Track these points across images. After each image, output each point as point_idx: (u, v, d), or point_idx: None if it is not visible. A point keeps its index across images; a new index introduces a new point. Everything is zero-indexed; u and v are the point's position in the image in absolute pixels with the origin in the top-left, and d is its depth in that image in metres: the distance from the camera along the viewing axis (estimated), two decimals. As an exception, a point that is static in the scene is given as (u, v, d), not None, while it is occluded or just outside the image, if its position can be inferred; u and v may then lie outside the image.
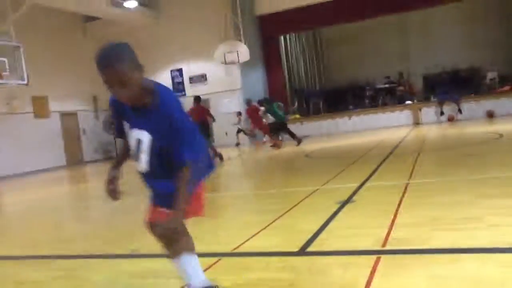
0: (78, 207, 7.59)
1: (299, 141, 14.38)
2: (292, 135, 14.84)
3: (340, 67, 22.03)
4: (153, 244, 3.84)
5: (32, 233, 5.39)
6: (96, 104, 21.34)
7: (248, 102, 16.41)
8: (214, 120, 13.19)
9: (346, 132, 18.25)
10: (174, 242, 2.25)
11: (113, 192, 2.25)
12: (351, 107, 19.79)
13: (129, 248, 3.77)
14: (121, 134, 2.22)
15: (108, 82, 1.94)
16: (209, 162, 2.26)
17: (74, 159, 19.39)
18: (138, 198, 6.99)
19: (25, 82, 14.87)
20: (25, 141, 16.32)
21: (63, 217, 6.66)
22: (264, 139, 17.25)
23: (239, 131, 18.86)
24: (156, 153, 2.09)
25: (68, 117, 19.50)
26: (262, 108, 15.87)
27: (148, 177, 2.20)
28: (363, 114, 18.90)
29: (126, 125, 2.16)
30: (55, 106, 18.82)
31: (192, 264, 2.25)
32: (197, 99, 12.93)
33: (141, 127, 2.08)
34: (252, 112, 15.80)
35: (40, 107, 18.13)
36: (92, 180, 12.10)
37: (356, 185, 5.40)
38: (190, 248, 2.28)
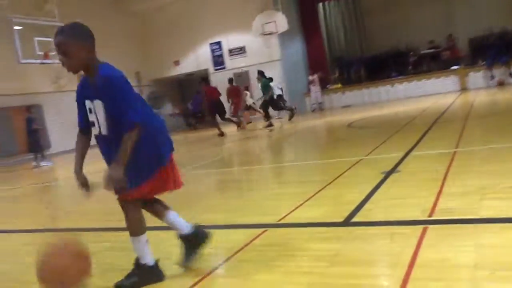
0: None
1: (291, 112, 14.25)
2: (283, 108, 14.67)
3: (381, 34, 21.28)
4: (191, 217, 3.98)
5: (84, 206, 5.65)
6: (140, 80, 21.73)
7: (230, 80, 15.55)
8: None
9: (389, 101, 17.81)
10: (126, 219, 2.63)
11: (84, 185, 2.60)
12: (393, 74, 19.21)
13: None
14: (82, 124, 2.56)
15: (56, 51, 2.36)
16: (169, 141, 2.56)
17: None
18: (185, 172, 7.15)
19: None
20: (74, 118, 16.87)
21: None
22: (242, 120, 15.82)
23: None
24: (109, 120, 2.38)
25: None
26: (247, 93, 15.85)
27: (103, 143, 2.49)
28: (407, 81, 18.33)
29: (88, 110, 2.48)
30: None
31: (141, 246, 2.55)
32: (204, 80, 14.46)
33: (94, 97, 2.41)
34: (232, 92, 15.12)
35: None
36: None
37: (400, 154, 5.31)
38: (136, 232, 2.57)
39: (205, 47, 21.29)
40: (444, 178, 3.85)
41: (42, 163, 12.34)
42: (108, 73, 2.40)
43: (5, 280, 3.13)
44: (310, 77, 19.01)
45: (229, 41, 20.68)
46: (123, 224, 4.02)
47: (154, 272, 2.55)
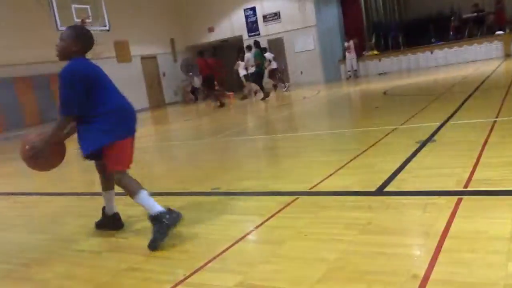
0: (162, 147, 8.02)
1: (266, 94, 13.82)
2: (262, 88, 14.28)
3: (422, -3, 20.47)
4: (232, 183, 4.05)
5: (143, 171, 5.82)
6: (174, 47, 21.80)
7: (200, 53, 14.64)
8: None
9: (428, 68, 17.26)
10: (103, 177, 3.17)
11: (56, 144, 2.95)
12: (433, 40, 18.49)
13: (211, 186, 3.97)
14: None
15: (59, 37, 3.00)
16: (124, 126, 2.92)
17: (156, 101, 20.23)
18: (214, 141, 7.25)
19: (107, 27, 15.47)
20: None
21: (149, 156, 7.09)
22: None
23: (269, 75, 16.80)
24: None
25: (148, 60, 20.16)
26: (240, 63, 15.57)
27: None
28: (447, 47, 17.65)
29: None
30: (135, 50, 19.51)
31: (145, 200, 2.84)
32: (199, 53, 14.24)
33: None
34: (202, 65, 14.32)
35: (122, 52, 18.89)
36: (173, 121, 12.64)
37: (437, 123, 5.18)
38: (134, 192, 2.84)
39: (239, 13, 21.05)
40: (482, 148, 3.75)
41: None
42: (64, 67, 2.85)
43: (57, 239, 3.29)
44: (346, 43, 18.49)
45: (264, 6, 20.35)
46: (160, 189, 4.15)
47: (170, 213, 2.74)
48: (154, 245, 2.65)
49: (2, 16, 14.76)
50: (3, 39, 14.45)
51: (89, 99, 2.80)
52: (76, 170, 6.37)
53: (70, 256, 2.85)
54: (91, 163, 3.16)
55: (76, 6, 14.44)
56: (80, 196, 4.58)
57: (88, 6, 14.88)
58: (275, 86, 16.37)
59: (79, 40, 2.96)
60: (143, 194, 2.81)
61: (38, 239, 3.34)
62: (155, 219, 2.70)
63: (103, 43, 17.58)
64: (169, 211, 2.75)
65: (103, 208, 3.23)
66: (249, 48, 14.99)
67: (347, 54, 18.48)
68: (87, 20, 14.76)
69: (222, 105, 13.74)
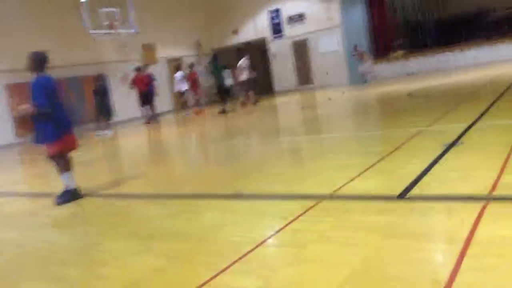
0: (187, 149, 8.12)
1: (223, 111, 13.76)
2: (225, 101, 14.19)
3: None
4: (255, 186, 4.08)
5: (149, 173, 5.93)
6: (200, 49, 22.00)
7: (137, 69, 15.15)
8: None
9: (457, 68, 16.91)
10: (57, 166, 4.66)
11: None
12: (463, 39, 18.07)
13: (233, 189, 4.01)
14: None
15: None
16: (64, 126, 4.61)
17: (181, 103, 20.40)
18: (240, 143, 7.29)
19: (135, 30, 15.75)
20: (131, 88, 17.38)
21: (175, 158, 7.19)
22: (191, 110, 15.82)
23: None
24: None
25: (174, 62, 20.40)
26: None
27: None
28: (477, 46, 17.25)
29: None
30: (162, 52, 19.79)
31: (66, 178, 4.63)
32: (137, 69, 14.62)
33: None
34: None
35: (149, 54, 19.18)
36: (197, 125, 12.76)
37: (465, 125, 5.09)
38: (63, 171, 4.62)
39: (263, 15, 21.09)
40: (511, 152, 3.67)
41: (105, 132, 12.90)
42: (37, 79, 4.52)
43: (83, 240, 3.39)
44: (355, 52, 17.70)
45: (288, 8, 20.33)
46: (187, 191, 4.22)
47: (75, 193, 4.61)
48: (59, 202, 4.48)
49: (39, 20, 15.15)
50: (38, 42, 14.88)
51: None
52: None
53: (96, 257, 2.93)
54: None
55: (104, 9, 14.76)
56: (109, 198, 4.69)
57: (115, 9, 15.18)
58: (243, 104, 15.20)
59: (40, 60, 4.61)
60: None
61: (68, 239, 3.44)
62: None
63: (130, 46, 17.98)
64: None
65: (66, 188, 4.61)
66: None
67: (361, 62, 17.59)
68: (115, 23, 15.07)
69: (148, 122, 14.29)
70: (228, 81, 15.43)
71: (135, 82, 14.67)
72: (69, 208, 4.42)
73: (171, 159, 7.16)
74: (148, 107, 14.78)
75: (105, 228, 3.55)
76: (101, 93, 13.01)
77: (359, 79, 17.52)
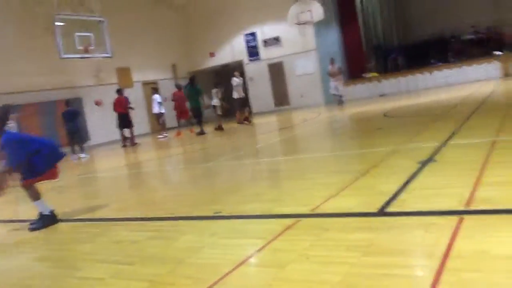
0: (165, 171, 8.04)
1: (201, 132, 14.00)
2: (200, 124, 14.40)
3: (420, 20, 20.69)
4: (235, 206, 4.06)
5: (126, 196, 5.83)
6: (176, 72, 22.03)
7: (179, 86, 15.76)
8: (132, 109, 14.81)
9: (427, 89, 17.36)
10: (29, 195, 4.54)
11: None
12: (432, 61, 18.64)
13: (212, 210, 3.98)
14: None
15: None
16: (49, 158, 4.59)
17: (157, 126, 20.30)
18: (217, 164, 7.27)
19: (109, 55, 15.69)
20: (112, 111, 17.24)
21: (152, 181, 7.11)
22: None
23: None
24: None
25: (149, 86, 20.34)
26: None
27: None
28: (446, 68, 17.79)
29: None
30: (137, 76, 19.73)
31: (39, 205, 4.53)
32: (117, 91, 14.64)
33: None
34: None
35: (124, 78, 19.10)
36: (174, 146, 12.68)
37: (438, 144, 5.21)
38: (36, 198, 4.51)
39: (240, 38, 21.34)
40: (483, 168, 3.76)
41: (79, 156, 12.69)
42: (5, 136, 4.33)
43: (60, 267, 3.29)
44: (330, 67, 17.26)
45: (264, 31, 20.64)
46: (163, 214, 4.17)
47: (51, 218, 4.51)
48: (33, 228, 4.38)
49: (13, 43, 14.97)
50: (11, 65, 14.64)
51: None
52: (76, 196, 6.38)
53: (74, 284, 2.85)
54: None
55: (79, 34, 14.69)
56: (84, 222, 4.59)
57: (91, 34, 15.12)
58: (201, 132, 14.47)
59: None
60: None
61: (43, 266, 3.33)
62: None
63: (105, 70, 17.89)
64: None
65: (40, 213, 4.50)
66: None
67: (331, 79, 17.18)
68: (90, 48, 15.00)
69: (125, 145, 14.36)
70: (215, 101, 15.54)
71: (114, 105, 14.60)
72: (44, 233, 4.30)
73: (147, 182, 7.07)
74: (127, 130, 14.68)
75: (81, 254, 3.46)
76: (70, 118, 12.78)
77: (334, 100, 17.45)
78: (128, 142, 14.48)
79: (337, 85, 17.11)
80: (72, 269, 3.12)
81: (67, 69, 16.43)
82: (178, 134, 15.32)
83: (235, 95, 15.38)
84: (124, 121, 14.59)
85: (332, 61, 17.22)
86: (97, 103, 16.13)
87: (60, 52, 14.00)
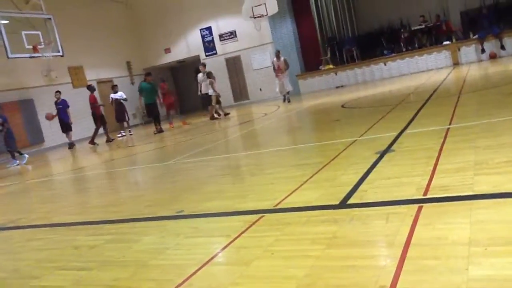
0: (123, 172, 7.86)
1: (159, 130, 14.19)
2: (156, 122, 14.53)
3: (372, 11, 21.15)
4: (197, 205, 4.00)
5: (83, 199, 5.66)
6: (131, 70, 21.58)
7: (162, 80, 16.55)
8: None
9: (382, 79, 17.80)
10: None
11: None
12: (386, 52, 19.12)
13: (174, 210, 3.91)
14: None
15: None
16: None
17: (114, 125, 19.84)
18: (177, 162, 7.18)
19: (60, 53, 15.15)
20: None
21: (110, 182, 6.93)
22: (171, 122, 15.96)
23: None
24: None
25: (104, 84, 19.84)
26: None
27: None
28: (399, 58, 18.29)
29: None
30: (91, 74, 19.18)
31: None
32: (89, 88, 14.72)
33: None
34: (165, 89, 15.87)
35: (77, 77, 18.54)
36: (133, 145, 12.43)
37: (395, 133, 5.33)
38: None
39: (195, 33, 21.13)
40: (439, 155, 3.87)
41: (13, 162, 12.24)
42: None
43: (16, 277, 3.15)
44: (275, 61, 15.92)
45: (219, 26, 20.53)
46: (122, 215, 4.06)
47: None
48: None
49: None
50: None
51: None
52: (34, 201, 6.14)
53: (30, 293, 2.73)
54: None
55: (26, 32, 14.09)
56: (40, 228, 4.41)
57: (39, 32, 14.54)
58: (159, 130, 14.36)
59: None
60: None
61: (-6, 277, 3.18)
62: None
63: (57, 69, 17.28)
64: None
65: None
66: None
67: (277, 75, 16.02)
68: (39, 46, 14.43)
69: (109, 140, 14.53)
70: (210, 92, 15.06)
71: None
72: (-4, 243, 4.10)
73: (103, 183, 6.89)
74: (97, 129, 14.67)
75: (37, 262, 3.32)
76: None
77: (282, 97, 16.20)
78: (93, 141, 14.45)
79: (283, 82, 15.88)
80: (29, 279, 2.99)
81: (16, 69, 15.76)
82: (171, 126, 15.27)
83: (205, 90, 15.00)
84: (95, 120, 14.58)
85: (277, 54, 15.99)
86: (48, 118, 14.57)
87: (7, 52, 13.39)
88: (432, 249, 2.16)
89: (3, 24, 13.28)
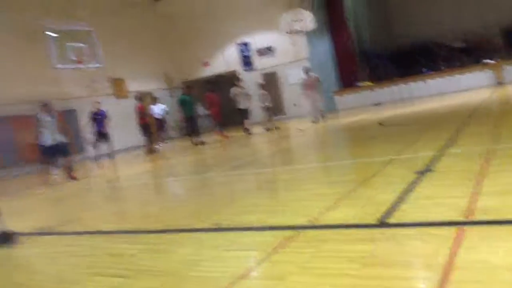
0: (162, 183, 8.00)
1: (200, 143, 14.17)
2: (196, 135, 14.65)
3: (408, 27, 20.87)
4: (234, 218, 4.03)
5: (122, 208, 5.79)
6: (169, 82, 22.02)
7: (211, 89, 16.66)
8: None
9: (421, 97, 17.47)
10: None
11: None
12: (424, 69, 18.78)
13: (211, 222, 3.94)
14: None
15: None
16: None
17: (155, 136, 20.24)
18: (218, 174, 7.24)
19: (102, 65, 15.67)
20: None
21: (149, 192, 7.06)
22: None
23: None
24: None
25: (144, 96, 20.26)
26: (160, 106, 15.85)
27: None
28: (439, 76, 17.94)
29: None
30: (132, 86, 19.68)
31: None
32: (137, 98, 14.91)
33: None
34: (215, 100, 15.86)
35: (118, 88, 19.08)
36: (173, 157, 12.63)
37: (434, 153, 5.21)
38: None
39: (232, 48, 21.40)
40: (479, 177, 3.76)
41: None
42: None
43: (54, 282, 3.24)
44: (304, 77, 15.29)
45: (256, 41, 20.73)
46: (157, 226, 4.13)
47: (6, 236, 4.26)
48: None
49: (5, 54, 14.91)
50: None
51: None
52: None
53: (70, 298, 2.80)
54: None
55: (71, 44, 14.67)
56: (79, 236, 4.53)
57: (83, 44, 15.11)
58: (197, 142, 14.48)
59: None
60: None
61: (36, 280, 3.28)
62: None
63: (99, 80, 17.85)
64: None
65: None
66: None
67: (305, 92, 15.29)
68: (84, 58, 14.99)
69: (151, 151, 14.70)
70: (267, 103, 15.51)
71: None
72: (26, 249, 4.24)
73: (140, 194, 7.02)
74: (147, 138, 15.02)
75: (71, 268, 3.41)
76: None
77: (315, 116, 15.08)
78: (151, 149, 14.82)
79: (315, 99, 15.10)
80: (68, 284, 3.07)
81: (60, 80, 16.36)
82: (226, 137, 15.24)
83: (241, 104, 15.12)
84: (146, 129, 14.98)
85: (306, 70, 15.36)
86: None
87: (53, 63, 13.96)
88: (475, 273, 2.09)
89: (51, 36, 13.88)
